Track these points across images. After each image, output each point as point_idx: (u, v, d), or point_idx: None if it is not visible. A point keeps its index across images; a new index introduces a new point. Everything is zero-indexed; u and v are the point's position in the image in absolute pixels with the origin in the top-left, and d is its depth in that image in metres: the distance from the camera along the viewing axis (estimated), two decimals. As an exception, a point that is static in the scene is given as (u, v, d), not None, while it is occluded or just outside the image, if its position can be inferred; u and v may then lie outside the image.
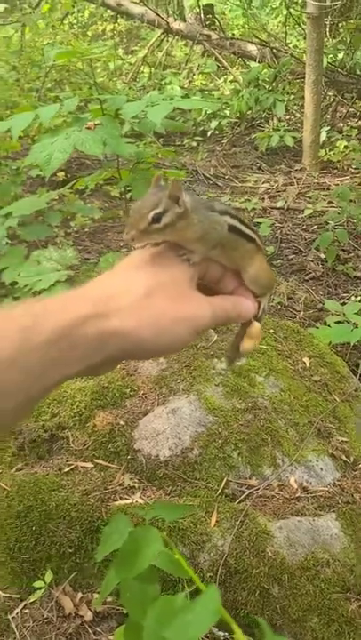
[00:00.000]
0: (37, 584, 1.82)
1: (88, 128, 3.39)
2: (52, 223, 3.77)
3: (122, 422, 2.29)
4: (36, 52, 8.98)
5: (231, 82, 8.31)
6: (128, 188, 3.82)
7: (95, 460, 2.20)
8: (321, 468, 2.20)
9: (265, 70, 7.70)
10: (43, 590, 1.80)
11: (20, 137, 4.18)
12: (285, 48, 8.26)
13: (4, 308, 0.65)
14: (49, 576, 1.84)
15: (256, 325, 0.92)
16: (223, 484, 2.10)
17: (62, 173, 5.29)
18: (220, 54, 8.67)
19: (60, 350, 0.62)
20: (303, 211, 4.80)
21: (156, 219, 0.78)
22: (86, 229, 4.59)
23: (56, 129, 3.31)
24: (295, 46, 9.06)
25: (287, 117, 7.15)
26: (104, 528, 0.88)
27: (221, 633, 1.68)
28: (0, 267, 3.24)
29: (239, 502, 2.05)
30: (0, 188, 4.30)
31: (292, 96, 7.37)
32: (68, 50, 3.62)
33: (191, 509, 1.81)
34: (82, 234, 4.51)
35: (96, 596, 1.81)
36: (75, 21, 11.15)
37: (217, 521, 1.93)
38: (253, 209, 4.79)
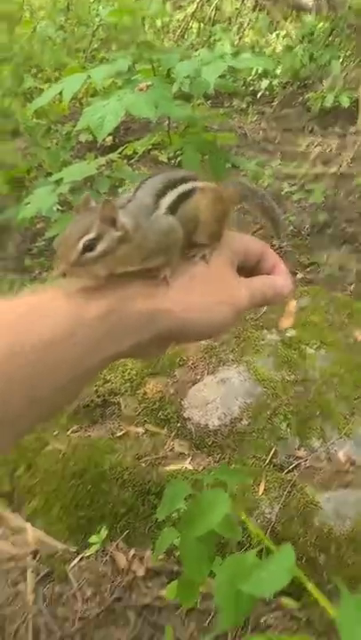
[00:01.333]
0: (92, 539, 1.94)
1: (140, 89, 3.36)
2: (101, 190, 3.80)
3: (172, 390, 2.37)
4: (83, 10, 8.85)
5: (284, 37, 8.01)
6: (178, 153, 3.80)
7: (146, 426, 2.29)
8: (371, 443, 2.23)
9: (320, 24, 7.38)
10: (98, 545, 1.93)
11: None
12: None
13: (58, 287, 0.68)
14: (103, 532, 1.95)
15: (291, 304, 0.95)
16: (271, 454, 2.17)
17: (110, 138, 5.28)
18: (272, 7, 8.34)
19: (110, 324, 0.66)
20: (358, 177, 4.67)
21: (89, 246, 0.67)
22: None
23: (106, 91, 3.29)
24: (354, -3, 8.61)
25: (343, 76, 6.86)
26: (165, 489, 0.93)
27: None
28: (51, 233, 3.31)
29: (287, 473, 2.11)
30: (50, 154, 4.34)
31: (349, 52, 7.06)
32: (120, 8, 3.54)
33: (249, 476, 1.88)
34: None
35: (148, 553, 1.93)
36: (121, -25, 10.89)
37: (265, 489, 2.00)
38: (305, 175, 4.70)
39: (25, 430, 0.65)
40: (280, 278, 0.88)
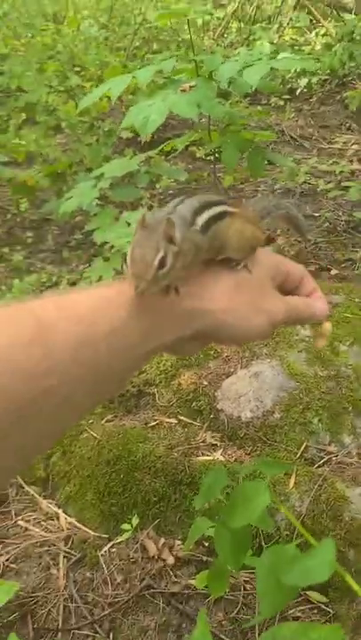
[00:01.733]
0: (124, 526, 1.94)
1: (183, 90, 3.33)
2: (140, 185, 3.79)
3: (205, 382, 2.34)
4: (125, 10, 8.85)
5: (323, 36, 7.83)
6: (216, 150, 3.76)
7: (179, 417, 2.27)
8: None
9: (361, 23, 7.18)
10: (129, 532, 1.92)
11: (107, 98, 4.17)
12: (385, -3, 7.64)
13: (113, 283, 0.74)
14: (135, 520, 1.95)
15: (326, 325, 0.96)
16: (303, 448, 2.12)
17: (149, 134, 5.26)
18: (313, 6, 8.16)
19: (158, 318, 0.71)
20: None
21: (162, 264, 0.73)
22: (170, 191, 4.59)
23: (150, 90, 3.28)
24: (395, -5, 8.34)
25: (382, 73, 6.67)
26: (204, 478, 0.93)
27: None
28: (92, 227, 3.33)
29: (318, 467, 2.06)
30: (92, 150, 4.35)
31: (389, 50, 6.85)
32: (167, 11, 3.54)
33: (288, 466, 1.85)
34: (166, 195, 4.51)
35: (178, 543, 1.91)
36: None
37: (295, 483, 1.95)
38: (341, 172, 4.58)
39: (84, 414, 0.71)
40: (318, 302, 0.92)
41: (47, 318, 0.63)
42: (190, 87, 3.40)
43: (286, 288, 0.90)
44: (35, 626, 1.75)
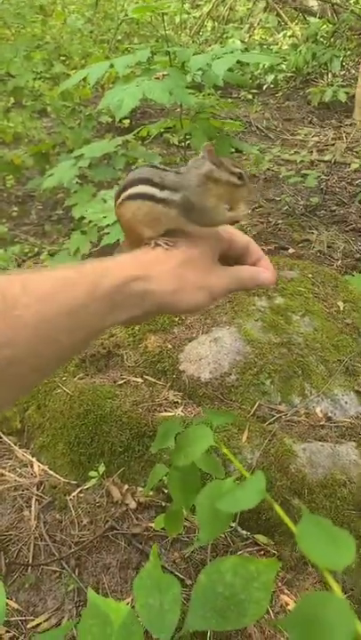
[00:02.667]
0: (91, 474, 1.88)
1: (157, 78, 3.19)
2: (117, 167, 3.64)
3: (170, 346, 2.28)
4: (109, 6, 8.46)
5: (290, 37, 7.62)
6: (187, 137, 3.63)
7: (145, 377, 2.20)
8: (346, 402, 2.14)
9: (324, 26, 7.00)
10: (96, 479, 1.86)
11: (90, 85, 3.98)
12: (346, 4, 7.45)
13: (76, 266, 0.73)
14: (101, 468, 1.89)
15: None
16: (255, 406, 2.08)
17: (127, 121, 5.07)
18: (281, 9, 7.91)
19: (114, 300, 0.71)
20: (350, 165, 4.45)
21: None
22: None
23: (126, 78, 3.12)
24: (356, 2, 8.15)
25: (342, 73, 6.52)
26: (159, 427, 0.91)
27: (244, 532, 1.71)
28: (71, 203, 3.20)
29: (268, 424, 2.03)
30: (73, 133, 4.17)
31: (349, 52, 6.71)
32: (144, 5, 3.35)
33: (234, 416, 1.81)
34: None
35: (140, 489, 1.86)
36: (146, -26, 10.33)
37: (248, 438, 1.92)
38: (302, 161, 4.49)
39: (48, 374, 0.76)
40: (263, 271, 0.85)
41: (11, 295, 0.63)
42: (163, 76, 3.26)
43: (231, 255, 0.85)
44: (7, 561, 1.70)
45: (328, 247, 3.36)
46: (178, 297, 0.77)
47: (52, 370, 0.73)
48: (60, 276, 0.71)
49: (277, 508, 0.68)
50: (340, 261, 3.20)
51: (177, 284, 0.77)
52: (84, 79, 3.10)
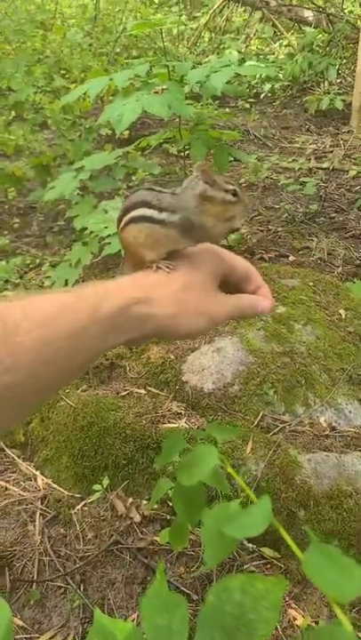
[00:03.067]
0: (95, 487, 1.85)
1: (155, 92, 3.19)
2: (117, 177, 3.64)
3: (172, 357, 2.25)
4: (108, 19, 8.51)
5: (286, 46, 7.64)
6: (187, 147, 3.62)
7: (148, 388, 2.18)
8: (350, 411, 2.11)
9: (320, 35, 7.01)
10: (100, 493, 1.84)
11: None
12: (341, 14, 7.47)
13: (76, 288, 0.73)
14: (105, 481, 1.86)
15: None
16: (259, 417, 2.05)
17: (127, 132, 5.07)
18: (277, 20, 7.94)
19: (116, 323, 0.70)
20: (348, 172, 4.44)
21: None
22: (145, 183, 4.43)
23: (125, 91, 3.12)
24: (350, 12, 8.18)
25: (338, 81, 6.52)
26: (164, 442, 0.89)
27: (250, 545, 1.67)
28: (72, 214, 3.19)
29: (273, 435, 2.00)
30: (74, 145, 4.17)
31: (345, 60, 6.71)
32: (143, 21, 3.36)
33: (239, 431, 1.79)
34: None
35: (144, 502, 1.83)
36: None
37: (252, 449, 1.89)
38: (300, 169, 4.48)
39: (49, 396, 0.75)
40: (263, 300, 0.84)
41: (12, 320, 0.63)
42: (162, 90, 3.26)
43: (232, 281, 0.84)
44: (11, 577, 1.67)
45: (328, 254, 3.34)
46: (178, 321, 0.75)
47: (52, 392, 0.72)
48: (61, 300, 0.70)
49: (284, 533, 0.66)
50: (340, 268, 3.18)
51: (178, 309, 0.76)
52: (85, 93, 3.11)
